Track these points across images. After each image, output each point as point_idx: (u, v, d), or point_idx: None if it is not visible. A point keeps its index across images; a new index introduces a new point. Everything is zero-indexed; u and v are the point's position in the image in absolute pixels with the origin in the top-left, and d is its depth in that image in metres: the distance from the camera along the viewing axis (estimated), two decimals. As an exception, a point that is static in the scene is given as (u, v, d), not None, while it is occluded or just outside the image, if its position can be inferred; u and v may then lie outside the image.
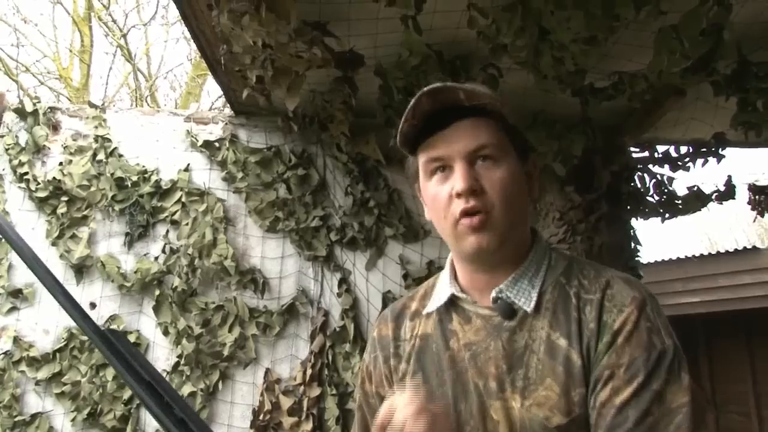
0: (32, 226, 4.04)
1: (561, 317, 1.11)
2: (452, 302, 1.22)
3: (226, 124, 4.22)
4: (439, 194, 1.14)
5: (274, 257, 4.10)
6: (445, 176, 1.14)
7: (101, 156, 4.10)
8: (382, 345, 1.31)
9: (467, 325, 1.19)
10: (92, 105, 4.31)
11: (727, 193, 4.01)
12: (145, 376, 0.98)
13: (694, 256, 7.20)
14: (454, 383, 1.16)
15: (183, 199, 4.09)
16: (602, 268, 1.17)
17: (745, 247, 6.82)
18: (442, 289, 1.24)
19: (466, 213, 1.10)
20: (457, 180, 1.11)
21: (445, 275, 1.26)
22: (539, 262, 1.18)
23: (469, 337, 1.17)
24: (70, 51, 10.92)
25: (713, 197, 4.02)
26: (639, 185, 4.12)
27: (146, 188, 4.08)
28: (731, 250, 6.83)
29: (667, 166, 4.05)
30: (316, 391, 3.89)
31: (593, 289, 1.12)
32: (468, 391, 1.14)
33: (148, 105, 10.37)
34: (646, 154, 4.15)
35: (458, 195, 1.11)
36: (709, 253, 7.35)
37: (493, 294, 1.16)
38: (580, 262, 1.20)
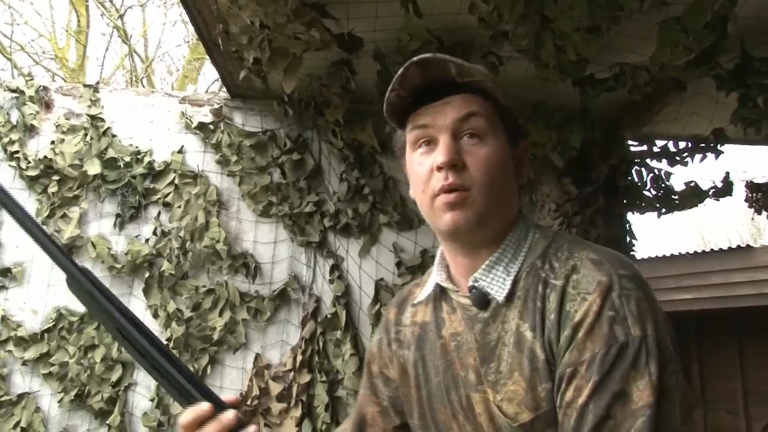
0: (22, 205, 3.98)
1: (530, 306, 1.04)
2: (443, 290, 1.19)
3: (220, 106, 4.17)
4: (421, 167, 1.10)
5: (267, 242, 4.06)
6: (429, 150, 1.09)
7: (94, 136, 4.05)
8: (387, 328, 1.31)
9: (453, 314, 1.15)
10: (86, 85, 4.25)
11: (724, 189, 3.99)
12: (127, 313, 0.97)
13: (687, 253, 7.19)
14: (444, 373, 1.14)
15: (176, 181, 4.05)
16: (579, 247, 1.07)
17: (738, 246, 6.81)
18: (432, 277, 1.20)
19: (445, 189, 1.06)
20: (439, 152, 1.06)
21: (436, 262, 1.22)
22: (518, 245, 1.11)
23: (455, 327, 1.14)
24: (67, 31, 10.82)
25: (710, 193, 4.00)
26: (636, 179, 4.10)
27: (139, 169, 4.04)
28: (724, 248, 6.82)
29: (664, 161, 4.02)
30: (305, 378, 3.86)
31: (559, 274, 1.03)
32: (457, 382, 1.12)
33: (143, 87, 10.29)
34: (645, 148, 4.12)
35: (438, 168, 1.06)
36: (702, 251, 7.34)
37: (470, 282, 1.10)
38: (559, 241, 1.10)
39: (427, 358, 1.19)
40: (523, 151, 1.17)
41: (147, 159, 4.07)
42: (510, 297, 1.07)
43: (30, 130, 4.07)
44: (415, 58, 1.06)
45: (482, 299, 1.09)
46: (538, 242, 1.10)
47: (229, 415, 0.95)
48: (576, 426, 0.93)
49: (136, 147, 4.09)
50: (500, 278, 1.08)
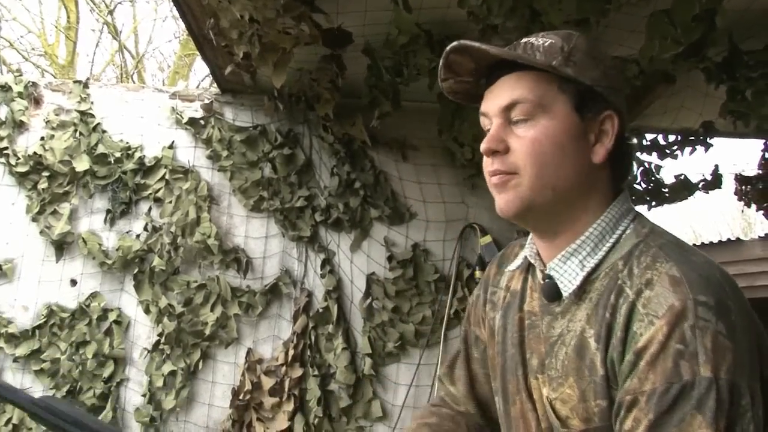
0: (12, 201, 3.97)
1: (600, 313, 0.96)
2: (532, 264, 1.14)
3: (211, 102, 4.16)
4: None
5: (258, 237, 4.06)
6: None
7: (84, 131, 4.04)
8: (486, 286, 1.28)
9: (535, 292, 1.11)
10: (76, 81, 4.23)
11: (714, 182, 4.00)
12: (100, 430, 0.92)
13: (678, 246, 7.19)
14: (517, 347, 1.11)
15: (167, 177, 4.04)
16: (666, 256, 0.94)
17: (729, 239, 6.84)
18: (526, 247, 1.16)
19: (490, 174, 1.04)
20: (484, 139, 1.05)
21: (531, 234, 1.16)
22: (601, 238, 1.02)
23: (533, 306, 1.11)
24: (56, 27, 10.76)
25: (700, 186, 4.01)
26: (626, 173, 4.10)
27: (129, 165, 4.02)
28: (715, 241, 6.84)
29: (654, 154, 4.03)
30: (298, 372, 3.87)
31: (634, 285, 0.93)
32: (524, 360, 1.09)
33: (134, 83, 10.24)
34: (634, 141, 4.13)
35: (485, 154, 1.05)
36: (694, 244, 7.38)
37: (546, 270, 1.06)
38: (650, 242, 0.98)
39: (508, 327, 1.15)
40: (606, 123, 1.04)
41: (137, 154, 4.05)
42: (580, 295, 1.01)
43: (19, 126, 4.05)
44: (449, 47, 1.04)
45: (553, 292, 1.04)
46: (628, 239, 1.01)
47: None
48: None
49: (127, 142, 4.08)
50: (572, 272, 1.02)
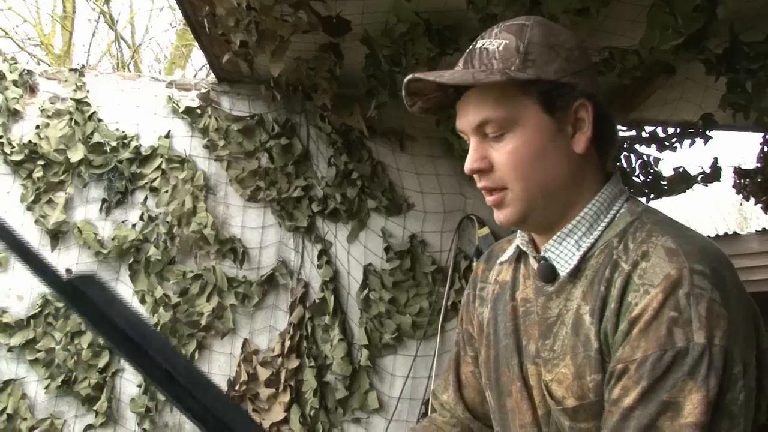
0: (7, 190, 3.94)
1: (595, 288, 0.97)
2: (524, 251, 1.13)
3: (207, 91, 4.13)
4: None
5: (255, 227, 4.04)
6: None
7: (79, 120, 4.00)
8: (474, 284, 1.28)
9: (528, 279, 1.11)
10: (72, 69, 4.20)
11: (713, 175, 3.99)
12: (119, 326, 0.84)
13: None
14: (511, 336, 1.11)
15: (163, 166, 4.02)
16: (661, 230, 0.95)
17: (726, 233, 6.85)
18: (517, 237, 1.16)
19: (484, 190, 1.06)
20: (467, 159, 1.05)
21: None
22: (595, 218, 1.02)
23: (527, 292, 1.10)
24: (52, 17, 10.70)
25: (699, 179, 3.99)
26: (625, 165, 4.09)
27: (125, 154, 4.00)
28: (711, 235, 6.84)
29: (653, 146, 4.01)
30: (294, 363, 3.86)
31: (629, 259, 0.94)
32: (519, 349, 1.09)
33: (130, 72, 10.18)
34: (633, 133, 4.11)
35: (469, 174, 1.06)
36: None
37: (541, 252, 1.06)
38: (644, 219, 0.99)
39: (499, 318, 1.15)
40: (580, 111, 1.01)
41: (133, 143, 4.02)
42: (577, 274, 1.01)
43: (14, 114, 4.01)
44: (405, 81, 1.02)
45: (549, 272, 1.04)
46: (622, 218, 1.01)
47: None
48: (618, 427, 0.88)
49: (123, 131, 4.05)
50: (569, 252, 1.02)
